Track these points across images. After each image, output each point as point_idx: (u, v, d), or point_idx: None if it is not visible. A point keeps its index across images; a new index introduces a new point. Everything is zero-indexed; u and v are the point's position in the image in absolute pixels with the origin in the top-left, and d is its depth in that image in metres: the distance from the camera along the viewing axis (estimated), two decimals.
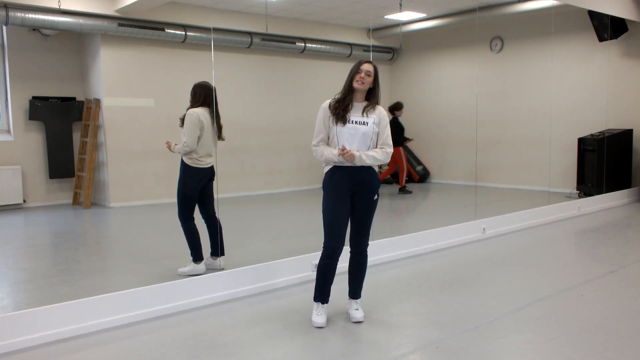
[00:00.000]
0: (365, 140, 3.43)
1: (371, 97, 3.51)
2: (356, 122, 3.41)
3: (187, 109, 4.57)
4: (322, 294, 3.54)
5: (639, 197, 8.81)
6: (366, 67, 3.45)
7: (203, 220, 4.82)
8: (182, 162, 4.61)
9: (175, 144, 4.64)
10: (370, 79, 3.46)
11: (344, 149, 3.31)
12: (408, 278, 4.60)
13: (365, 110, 3.45)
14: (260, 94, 10.17)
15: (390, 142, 3.49)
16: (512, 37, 10.19)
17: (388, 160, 3.47)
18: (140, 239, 6.36)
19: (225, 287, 4.00)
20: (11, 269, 4.99)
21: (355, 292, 3.66)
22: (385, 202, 9.35)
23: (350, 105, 3.44)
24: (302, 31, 10.09)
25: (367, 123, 3.43)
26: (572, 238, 6.23)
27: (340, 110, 3.42)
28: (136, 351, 3.15)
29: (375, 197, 3.51)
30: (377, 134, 3.46)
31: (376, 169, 3.54)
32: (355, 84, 3.44)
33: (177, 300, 3.77)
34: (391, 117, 9.45)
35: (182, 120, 4.58)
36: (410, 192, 9.77)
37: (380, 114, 3.50)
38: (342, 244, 3.47)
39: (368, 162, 3.39)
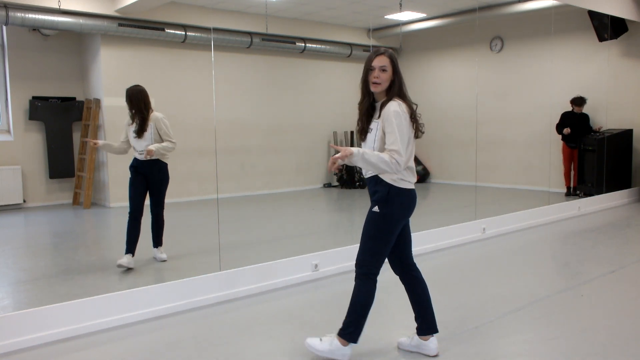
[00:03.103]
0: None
1: (387, 93, 2.84)
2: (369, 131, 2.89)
3: (152, 112, 4.80)
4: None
5: (639, 197, 8.81)
6: (378, 61, 2.81)
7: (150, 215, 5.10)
8: (161, 162, 4.85)
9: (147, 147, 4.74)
10: (387, 75, 2.82)
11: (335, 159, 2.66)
12: None
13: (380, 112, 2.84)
14: (260, 94, 10.17)
15: (395, 146, 2.68)
16: (512, 37, 10.19)
17: (391, 170, 2.70)
18: (139, 239, 6.35)
19: (225, 287, 4.00)
20: (11, 269, 4.99)
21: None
22: None
23: (372, 111, 2.88)
24: (302, 31, 10.09)
25: (372, 129, 2.86)
26: (572, 238, 6.23)
27: (362, 122, 2.90)
28: (136, 351, 3.15)
29: (376, 208, 2.85)
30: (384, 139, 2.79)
31: (388, 178, 2.81)
32: (372, 88, 2.83)
33: (177, 300, 3.77)
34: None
35: (142, 128, 4.72)
36: (577, 195, 8.88)
37: (385, 113, 2.77)
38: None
39: (359, 162, 2.67)
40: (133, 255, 4.83)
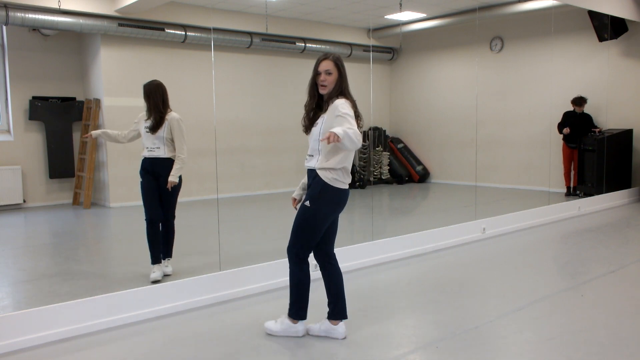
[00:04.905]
0: (314, 143, 3.13)
1: (332, 93, 3.10)
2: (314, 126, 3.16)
3: (169, 112, 4.52)
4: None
5: (639, 197, 8.81)
6: (323, 66, 3.11)
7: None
8: (174, 161, 4.52)
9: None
10: (332, 77, 3.10)
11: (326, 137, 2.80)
12: (408, 278, 4.60)
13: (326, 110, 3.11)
14: (260, 94, 10.17)
15: (350, 125, 2.90)
16: (512, 37, 10.19)
17: (358, 143, 2.87)
18: (140, 239, 6.35)
19: (225, 287, 4.00)
20: (11, 269, 4.99)
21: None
22: (385, 201, 9.35)
23: (318, 110, 3.17)
24: (302, 31, 10.09)
25: (318, 124, 3.12)
26: (572, 238, 6.23)
27: (307, 120, 3.21)
28: (136, 351, 3.15)
29: (307, 202, 3.10)
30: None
31: (324, 176, 3.06)
32: (320, 90, 3.13)
33: (177, 300, 3.77)
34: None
35: (157, 124, 4.46)
36: (577, 195, 8.90)
37: (332, 106, 3.05)
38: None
39: (346, 141, 2.82)
40: (161, 262, 4.63)
